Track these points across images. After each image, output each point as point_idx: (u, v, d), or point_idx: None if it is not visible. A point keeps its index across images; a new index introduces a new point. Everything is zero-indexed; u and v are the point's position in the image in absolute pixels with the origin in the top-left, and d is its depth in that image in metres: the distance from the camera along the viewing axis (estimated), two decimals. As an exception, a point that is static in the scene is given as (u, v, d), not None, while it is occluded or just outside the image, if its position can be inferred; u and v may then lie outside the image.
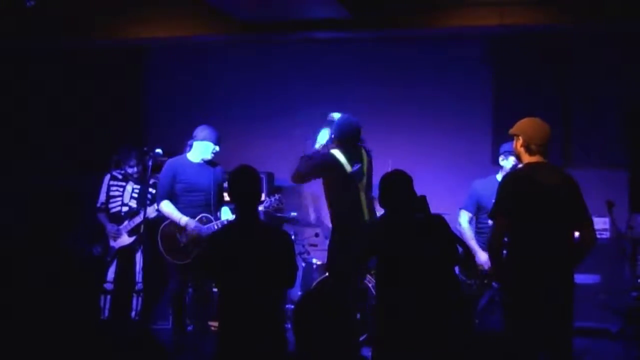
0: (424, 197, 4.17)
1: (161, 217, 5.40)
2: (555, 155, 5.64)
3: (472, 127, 6.91)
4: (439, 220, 4.10)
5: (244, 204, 3.86)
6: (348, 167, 4.92)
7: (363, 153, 5.06)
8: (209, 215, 5.30)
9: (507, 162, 5.23)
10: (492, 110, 6.87)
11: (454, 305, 3.88)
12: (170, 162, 5.39)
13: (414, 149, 6.95)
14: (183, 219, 5.22)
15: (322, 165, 4.97)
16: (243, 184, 3.87)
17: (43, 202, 3.08)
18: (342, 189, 4.95)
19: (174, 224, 5.26)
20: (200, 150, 5.37)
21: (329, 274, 5.20)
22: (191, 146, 5.41)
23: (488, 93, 6.91)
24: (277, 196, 5.31)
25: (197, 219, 5.25)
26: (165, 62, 7.64)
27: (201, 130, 5.37)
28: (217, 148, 5.39)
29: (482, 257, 5.14)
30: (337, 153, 4.97)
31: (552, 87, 6.71)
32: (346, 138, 4.99)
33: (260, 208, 5.35)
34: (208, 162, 5.40)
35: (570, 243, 3.90)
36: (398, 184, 4.08)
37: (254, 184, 3.90)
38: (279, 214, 6.41)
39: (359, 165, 4.96)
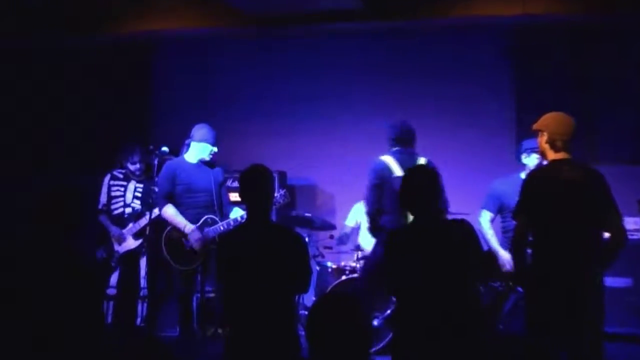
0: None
1: (162, 219, 5.39)
2: (580, 152, 5.62)
3: (494, 123, 6.90)
4: (465, 226, 3.87)
5: (256, 205, 3.85)
6: (398, 172, 5.03)
7: (420, 161, 5.16)
8: (214, 217, 5.31)
9: (530, 160, 5.22)
10: (514, 105, 6.86)
11: (473, 319, 3.73)
12: (168, 164, 5.42)
13: (431, 146, 6.67)
14: (187, 227, 5.23)
15: (375, 175, 5.12)
16: (255, 183, 3.85)
17: (47, 202, 3.10)
18: (388, 195, 5.05)
19: (174, 230, 5.28)
20: (198, 151, 5.40)
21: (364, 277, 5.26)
22: (188, 146, 5.43)
23: (510, 87, 6.91)
24: (282, 191, 5.28)
25: (202, 220, 5.27)
26: (171, 59, 7.69)
27: (198, 130, 5.40)
28: (215, 149, 5.42)
29: (505, 256, 5.16)
30: (388, 159, 5.15)
31: (577, 80, 6.68)
32: (398, 142, 5.19)
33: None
34: (206, 163, 5.43)
35: (599, 244, 3.86)
36: (419, 181, 3.82)
37: (267, 183, 3.88)
38: (293, 213, 6.43)
39: None
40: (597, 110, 6.64)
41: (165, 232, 5.31)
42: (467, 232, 3.72)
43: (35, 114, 7.64)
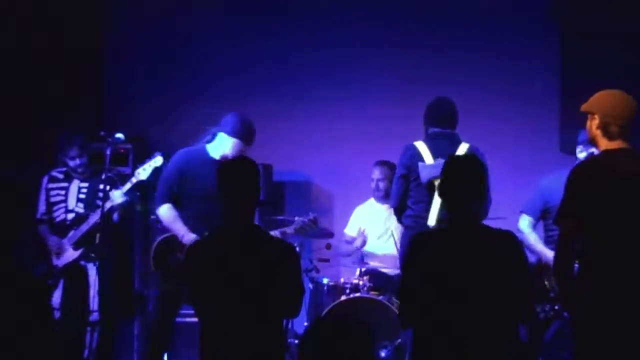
0: None
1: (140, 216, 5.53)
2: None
3: (533, 104, 6.91)
4: (512, 240, 3.76)
5: (236, 206, 3.85)
6: (428, 160, 5.23)
7: (462, 147, 5.35)
8: None
9: (587, 153, 5.21)
10: (559, 82, 6.85)
11: None
12: (185, 152, 5.37)
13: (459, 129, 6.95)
14: (187, 237, 5.17)
15: (401, 163, 5.41)
16: (236, 179, 3.86)
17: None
18: (413, 187, 5.35)
19: (172, 239, 5.25)
20: (226, 147, 5.34)
21: None
22: (214, 136, 5.39)
23: (554, 59, 6.89)
24: (311, 215, 5.50)
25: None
26: (132, 22, 7.55)
27: (231, 121, 5.34)
28: (244, 149, 5.36)
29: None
30: (420, 145, 5.39)
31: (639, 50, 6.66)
32: (432, 121, 5.45)
33: (289, 230, 5.58)
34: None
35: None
36: (461, 174, 3.75)
37: (250, 179, 3.89)
38: (280, 217, 6.47)
39: (442, 161, 4.87)
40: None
41: (156, 242, 5.28)
42: (515, 250, 3.68)
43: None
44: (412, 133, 6.88)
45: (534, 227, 5.50)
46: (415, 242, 3.83)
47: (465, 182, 3.70)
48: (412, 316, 3.72)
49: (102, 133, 5.75)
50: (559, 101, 6.82)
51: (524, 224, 5.47)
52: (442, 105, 5.54)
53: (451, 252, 3.64)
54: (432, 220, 5.22)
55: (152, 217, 5.61)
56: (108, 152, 5.66)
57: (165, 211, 5.26)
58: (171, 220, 5.25)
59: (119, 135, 5.67)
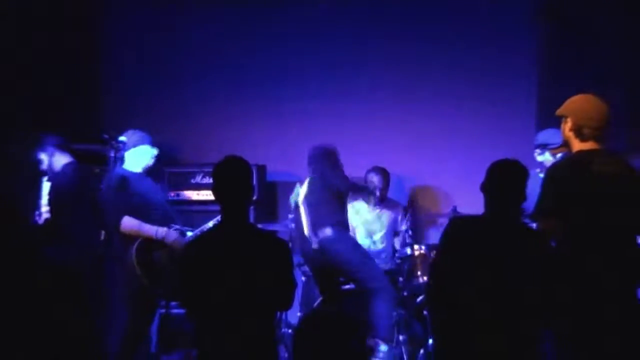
0: None
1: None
2: (619, 142, 5.60)
3: (512, 106, 6.88)
4: (544, 240, 3.85)
5: (230, 204, 3.86)
6: None
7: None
8: (181, 227, 5.37)
9: (544, 157, 5.29)
10: (536, 87, 6.83)
11: None
12: (118, 173, 5.36)
13: (436, 128, 7.01)
14: (160, 231, 5.24)
15: None
16: (230, 179, 3.86)
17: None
18: None
19: (146, 241, 5.23)
20: (138, 157, 5.46)
21: None
22: (122, 159, 5.45)
23: (533, 62, 6.87)
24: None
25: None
26: (130, 28, 7.52)
27: (130, 137, 5.45)
28: (156, 151, 5.49)
29: None
30: None
31: (620, 54, 6.57)
32: None
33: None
34: (146, 173, 5.51)
35: (636, 251, 3.87)
36: (513, 176, 3.84)
37: (244, 179, 3.89)
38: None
39: None
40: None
41: (133, 249, 5.20)
42: (546, 250, 3.73)
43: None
44: (400, 135, 6.96)
45: None
46: (455, 223, 3.94)
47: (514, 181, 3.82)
48: (439, 294, 3.81)
49: (105, 136, 5.69)
50: (535, 105, 6.80)
51: None
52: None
53: (489, 241, 3.73)
54: None
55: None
56: (112, 154, 5.56)
57: (128, 221, 5.21)
58: (137, 225, 5.22)
59: (122, 138, 5.64)
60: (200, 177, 6.47)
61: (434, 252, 4.05)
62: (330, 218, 5.79)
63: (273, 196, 7.30)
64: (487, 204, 3.82)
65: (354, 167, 6.74)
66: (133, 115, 6.91)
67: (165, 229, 5.25)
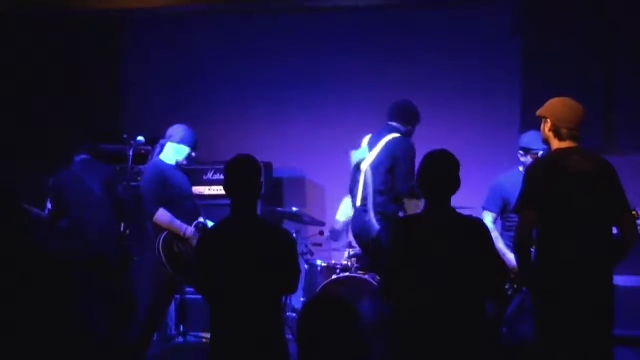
0: None
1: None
2: (593, 141, 5.67)
3: (497, 110, 6.94)
4: (482, 226, 3.84)
5: (240, 199, 3.87)
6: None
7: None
8: (204, 222, 5.38)
9: (526, 159, 5.27)
10: (520, 90, 6.87)
11: (480, 334, 3.71)
12: (155, 165, 5.39)
13: (426, 135, 6.85)
14: (188, 230, 5.27)
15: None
16: (240, 175, 3.88)
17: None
18: None
19: (173, 235, 5.27)
20: (175, 153, 5.43)
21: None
22: (162, 147, 5.44)
23: (515, 69, 6.92)
24: None
25: (193, 226, 5.32)
26: (143, 38, 7.61)
27: (178, 131, 5.41)
28: (194, 154, 5.48)
29: (513, 260, 4.94)
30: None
31: (592, 63, 6.68)
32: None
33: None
34: (178, 166, 5.49)
35: (609, 240, 3.92)
36: (439, 166, 3.78)
37: (253, 175, 3.91)
38: (279, 209, 6.52)
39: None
40: (614, 97, 6.65)
41: (160, 239, 5.23)
42: (485, 235, 3.75)
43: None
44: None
45: (495, 222, 5.41)
46: (398, 223, 3.93)
47: (445, 175, 3.78)
48: (388, 287, 3.80)
49: (125, 136, 5.76)
50: (519, 108, 6.83)
51: (488, 219, 5.32)
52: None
53: (432, 235, 3.69)
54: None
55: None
56: (130, 152, 5.68)
57: (162, 214, 5.24)
58: (170, 220, 5.25)
59: (140, 138, 5.70)
60: (212, 173, 6.52)
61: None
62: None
63: (279, 191, 7.30)
64: (424, 197, 3.83)
65: (345, 164, 6.80)
66: (151, 120, 6.94)
67: (192, 229, 5.26)
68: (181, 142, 5.41)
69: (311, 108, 7.36)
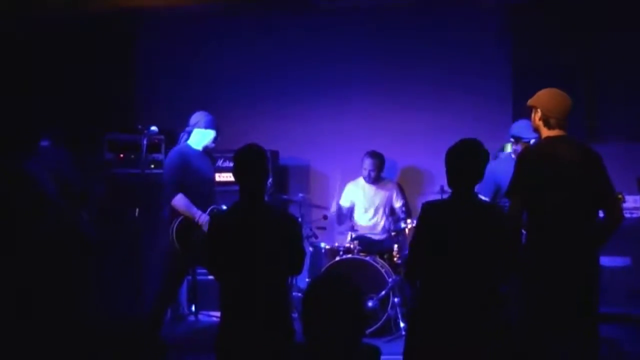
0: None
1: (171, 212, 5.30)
2: (579, 130, 5.65)
3: (490, 103, 6.92)
4: (498, 211, 3.86)
5: (249, 185, 3.87)
6: None
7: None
8: (218, 207, 5.38)
9: (516, 146, 5.26)
10: (511, 85, 6.85)
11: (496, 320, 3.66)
12: (179, 151, 5.37)
13: (422, 129, 7.05)
14: (203, 216, 5.22)
15: None
16: (249, 162, 3.88)
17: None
18: None
19: (188, 220, 5.24)
20: (203, 137, 5.44)
21: None
22: (189, 134, 5.45)
23: (507, 66, 6.91)
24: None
25: (207, 211, 5.29)
26: (158, 35, 7.56)
27: (202, 117, 5.43)
28: (215, 134, 5.48)
29: None
30: None
31: (577, 57, 6.71)
32: None
33: None
34: (205, 151, 5.49)
35: (594, 222, 3.93)
36: (466, 155, 3.72)
37: (261, 162, 3.90)
38: (284, 197, 6.54)
39: None
40: (596, 88, 6.66)
41: (175, 225, 5.21)
42: (502, 220, 3.74)
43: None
44: (392, 127, 7.03)
45: None
46: (427, 207, 3.82)
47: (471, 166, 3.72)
48: (416, 268, 3.78)
49: (139, 126, 5.74)
50: (511, 100, 6.79)
51: None
52: None
53: (457, 219, 3.67)
54: None
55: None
56: (144, 142, 5.65)
57: (180, 199, 5.20)
58: (187, 206, 5.22)
59: (154, 128, 5.67)
60: (222, 161, 6.49)
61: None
62: None
63: (285, 178, 7.33)
64: (449, 184, 3.78)
65: (353, 152, 6.93)
66: (162, 110, 6.96)
67: (206, 216, 5.21)
68: (207, 126, 5.42)
69: (316, 100, 7.30)
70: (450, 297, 3.60)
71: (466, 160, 3.71)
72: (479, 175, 3.73)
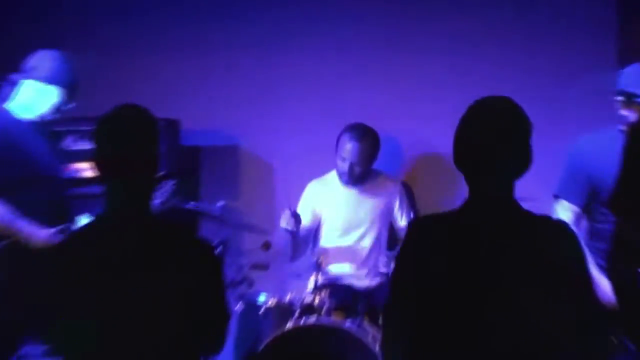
0: None
1: None
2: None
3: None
4: (566, 231, 3.66)
5: (122, 183, 3.79)
6: None
7: None
8: (71, 224, 5.31)
9: (631, 112, 5.10)
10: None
11: None
12: None
13: (454, 86, 7.26)
14: (39, 233, 5.15)
15: None
16: (117, 138, 3.78)
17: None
18: None
19: (14, 245, 5.14)
20: (37, 98, 5.38)
21: None
22: (13, 87, 5.42)
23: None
24: (171, 183, 5.54)
25: (55, 229, 5.20)
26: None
27: (42, 61, 5.42)
28: (71, 102, 5.46)
29: (605, 285, 4.89)
30: None
31: None
32: None
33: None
34: (42, 123, 5.43)
35: None
36: (492, 123, 3.63)
37: (146, 138, 3.83)
38: (191, 205, 6.37)
39: None
40: None
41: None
42: (572, 246, 3.59)
43: None
44: (395, 80, 7.66)
45: (579, 221, 5.29)
46: (418, 226, 3.85)
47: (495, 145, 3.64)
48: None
49: None
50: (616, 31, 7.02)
51: (565, 214, 5.23)
52: None
53: (478, 244, 3.60)
54: None
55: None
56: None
57: None
58: (9, 220, 5.12)
59: None
60: (72, 140, 6.53)
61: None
62: None
63: (193, 171, 7.49)
64: (467, 180, 3.68)
65: (320, 124, 7.26)
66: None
67: (52, 234, 5.22)
68: (50, 80, 5.37)
69: (257, 44, 7.64)
70: None
71: (493, 133, 3.57)
72: (522, 161, 3.61)
